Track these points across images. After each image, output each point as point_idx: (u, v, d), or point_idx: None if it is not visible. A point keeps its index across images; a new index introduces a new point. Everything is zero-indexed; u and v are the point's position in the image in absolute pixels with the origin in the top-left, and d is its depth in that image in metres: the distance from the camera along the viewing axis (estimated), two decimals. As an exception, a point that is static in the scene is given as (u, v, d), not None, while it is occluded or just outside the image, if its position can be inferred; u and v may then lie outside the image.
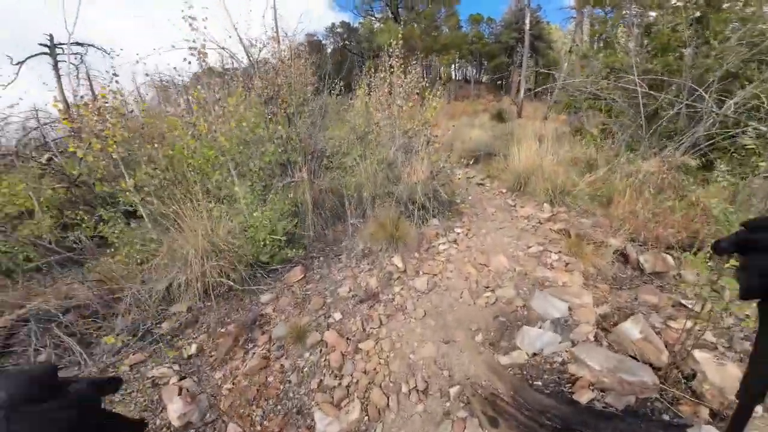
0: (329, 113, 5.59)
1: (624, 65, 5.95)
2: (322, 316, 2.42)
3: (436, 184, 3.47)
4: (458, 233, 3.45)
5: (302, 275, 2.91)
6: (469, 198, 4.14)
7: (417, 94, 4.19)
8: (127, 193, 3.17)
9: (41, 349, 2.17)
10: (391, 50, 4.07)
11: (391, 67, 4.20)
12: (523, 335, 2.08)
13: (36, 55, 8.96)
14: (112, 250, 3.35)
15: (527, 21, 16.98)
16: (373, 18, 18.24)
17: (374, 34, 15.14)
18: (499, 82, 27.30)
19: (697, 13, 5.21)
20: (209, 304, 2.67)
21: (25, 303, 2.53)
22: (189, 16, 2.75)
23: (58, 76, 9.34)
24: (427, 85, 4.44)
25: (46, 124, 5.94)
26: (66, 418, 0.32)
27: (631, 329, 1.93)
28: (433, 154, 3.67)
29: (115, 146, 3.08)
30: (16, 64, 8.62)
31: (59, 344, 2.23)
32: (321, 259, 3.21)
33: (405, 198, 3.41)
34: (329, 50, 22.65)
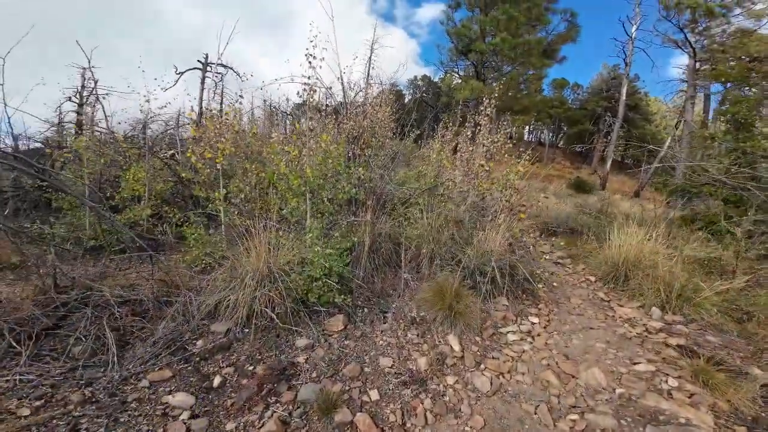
0: (400, 159, 5.66)
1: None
2: (357, 389, 2.03)
3: (516, 259, 2.98)
4: (533, 323, 2.83)
5: (343, 326, 2.61)
6: (553, 283, 3.47)
7: (503, 154, 3.91)
8: (217, 201, 3.41)
9: (83, 338, 2.19)
10: (482, 107, 3.95)
11: (477, 124, 4.05)
12: None
13: (192, 68, 11.31)
14: (184, 249, 3.56)
15: (623, 90, 16.05)
16: (456, 75, 19.29)
17: (453, 90, 15.87)
18: (579, 150, 25.72)
19: None
20: (247, 331, 2.51)
21: (93, 285, 2.70)
22: (310, 54, 3.03)
23: (202, 89, 11.53)
24: (513, 147, 4.16)
25: (181, 125, 7.13)
26: None
27: None
28: (515, 223, 3.24)
29: (222, 158, 3.40)
30: (178, 73, 11.01)
31: (101, 336, 2.24)
32: (366, 311, 2.89)
33: (472, 266, 2.98)
34: (407, 100, 24.41)
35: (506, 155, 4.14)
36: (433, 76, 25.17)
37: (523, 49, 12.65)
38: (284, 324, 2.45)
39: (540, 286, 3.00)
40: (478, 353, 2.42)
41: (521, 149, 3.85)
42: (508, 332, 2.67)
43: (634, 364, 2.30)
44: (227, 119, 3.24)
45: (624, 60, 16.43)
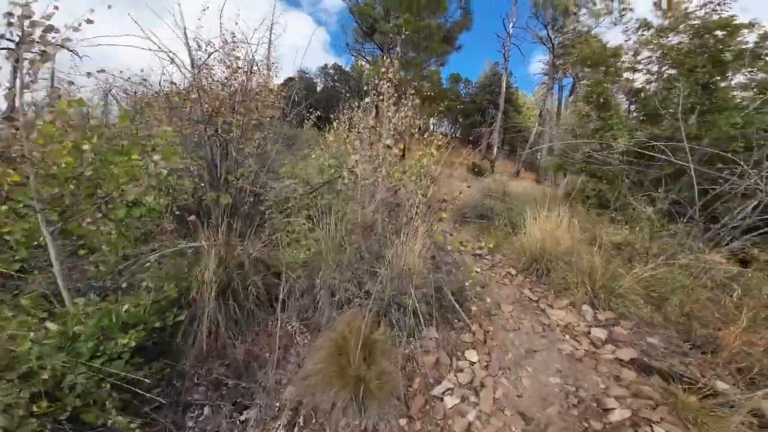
0: (296, 147, 4.37)
1: (625, 128, 5.58)
2: None
3: (442, 278, 2.12)
4: (473, 364, 2.03)
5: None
6: (486, 297, 2.78)
7: (412, 134, 3.03)
8: None
9: None
10: (382, 72, 2.97)
11: (380, 94, 3.07)
12: None
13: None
14: None
15: (503, 84, 17.86)
16: (364, 59, 18.52)
17: (363, 77, 15.06)
18: (470, 138, 28.68)
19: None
20: None
21: None
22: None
23: (14, 75, 7.67)
24: (423, 125, 3.37)
25: None
26: None
27: None
28: (435, 224, 2.38)
29: None
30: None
31: None
32: (204, 413, 1.61)
33: (387, 297, 2.00)
34: (319, 88, 22.79)
35: (416, 137, 3.32)
36: (344, 65, 24.10)
37: (425, 33, 12.39)
38: None
39: (473, 309, 2.24)
40: (405, 458, 1.45)
41: (430, 135, 3.08)
42: (444, 392, 1.80)
43: (606, 410, 1.70)
44: None
45: (504, 55, 18.14)
